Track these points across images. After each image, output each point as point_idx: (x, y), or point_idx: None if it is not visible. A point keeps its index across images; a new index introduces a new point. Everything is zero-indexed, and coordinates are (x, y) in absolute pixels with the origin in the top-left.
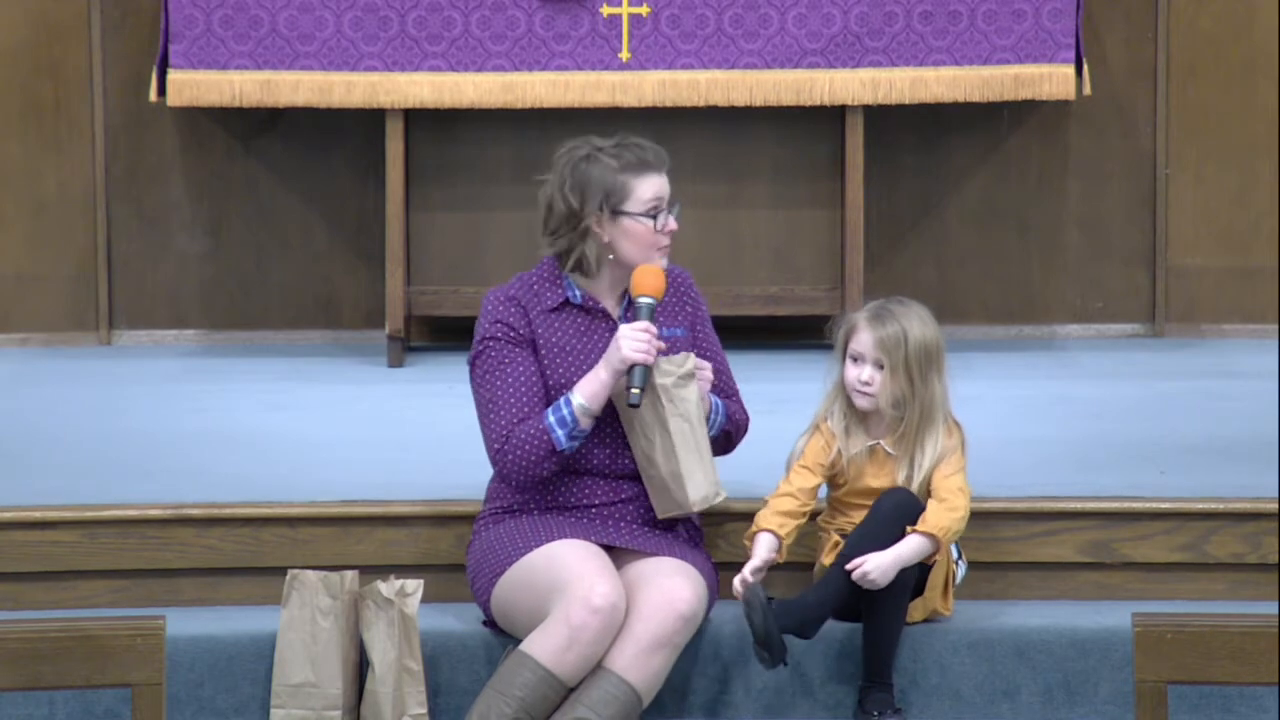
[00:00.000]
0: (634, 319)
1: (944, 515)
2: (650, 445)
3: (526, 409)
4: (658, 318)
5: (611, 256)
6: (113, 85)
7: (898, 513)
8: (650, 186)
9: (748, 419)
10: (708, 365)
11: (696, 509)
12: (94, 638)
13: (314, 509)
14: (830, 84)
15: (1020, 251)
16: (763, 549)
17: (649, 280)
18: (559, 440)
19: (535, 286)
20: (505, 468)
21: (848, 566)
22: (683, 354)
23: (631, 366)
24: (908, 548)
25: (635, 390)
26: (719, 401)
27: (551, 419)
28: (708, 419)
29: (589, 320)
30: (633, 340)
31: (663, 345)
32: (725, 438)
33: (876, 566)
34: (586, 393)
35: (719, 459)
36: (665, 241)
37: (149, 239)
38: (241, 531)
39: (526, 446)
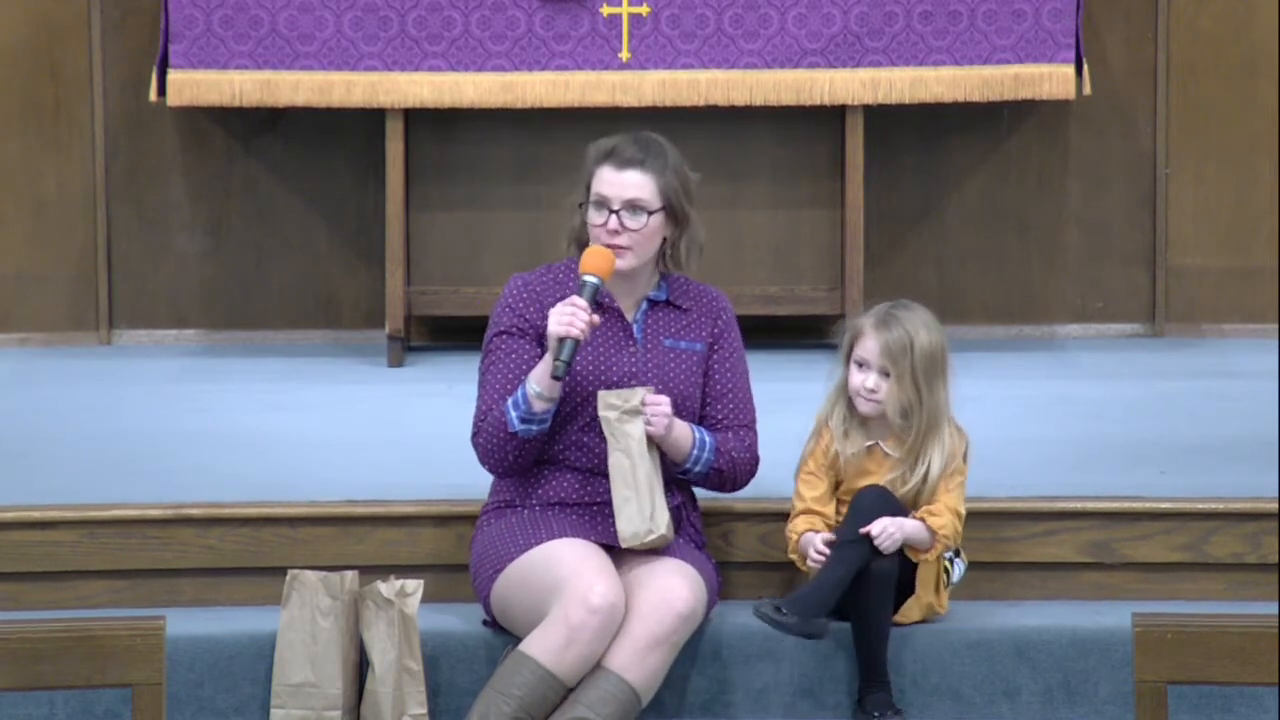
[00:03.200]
0: (653, 331)
1: (950, 521)
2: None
3: (507, 397)
4: (679, 328)
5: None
6: (113, 85)
7: (879, 508)
8: (608, 180)
9: (753, 459)
10: (665, 401)
11: (625, 545)
12: (94, 638)
13: (314, 509)
14: (830, 84)
15: (1020, 251)
16: (817, 540)
17: (596, 261)
18: (512, 422)
19: (560, 276)
20: (476, 448)
21: (864, 529)
22: (633, 389)
23: (561, 340)
24: (913, 525)
25: (557, 363)
26: (707, 439)
27: (508, 402)
28: (690, 455)
29: (602, 316)
30: (558, 314)
31: (596, 320)
32: (717, 476)
33: (899, 527)
34: (535, 375)
35: (723, 494)
36: (609, 240)
37: (149, 239)
38: (241, 531)
39: (490, 430)
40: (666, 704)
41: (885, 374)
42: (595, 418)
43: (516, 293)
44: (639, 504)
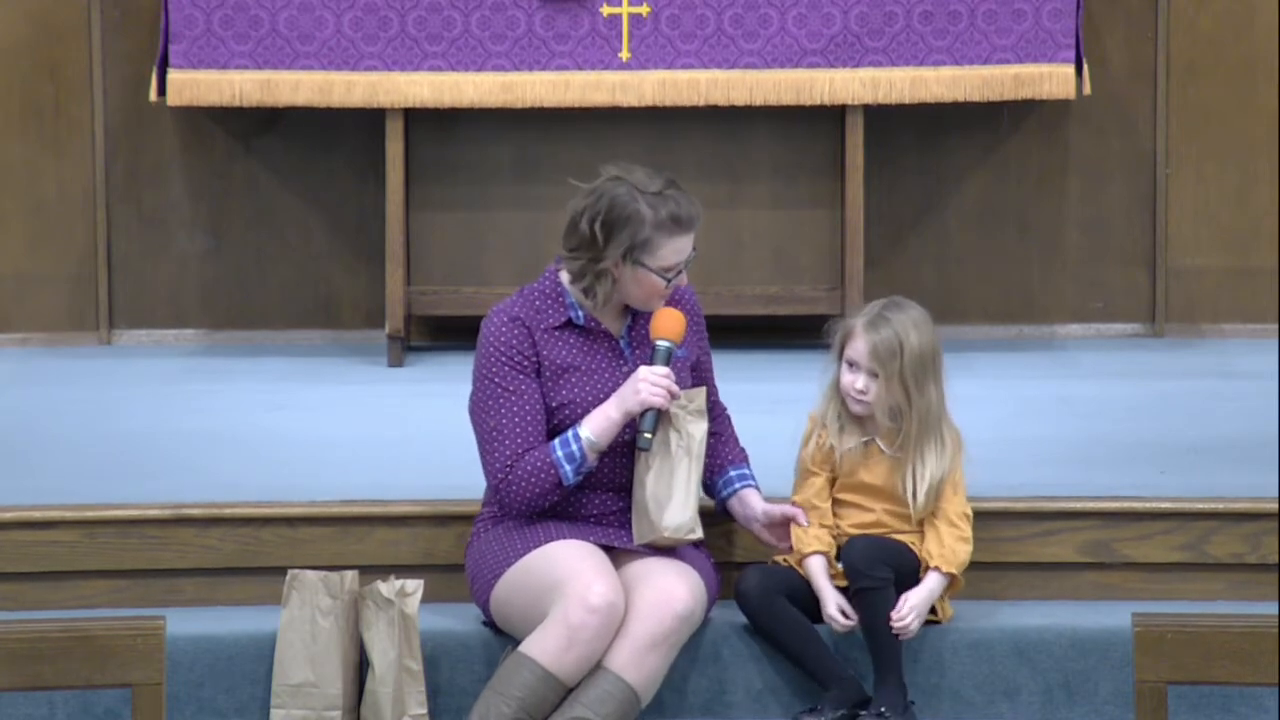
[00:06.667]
0: (639, 345)
1: (960, 549)
2: (646, 469)
3: (532, 439)
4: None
5: (617, 295)
6: (113, 85)
7: (870, 557)
8: (676, 249)
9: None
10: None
11: (667, 535)
12: (94, 638)
13: (314, 509)
14: (830, 84)
15: (1020, 251)
16: (822, 576)
17: (670, 324)
18: (566, 476)
19: (538, 303)
20: (508, 498)
21: (895, 625)
22: (696, 389)
23: (645, 410)
24: (927, 591)
25: (647, 435)
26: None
27: (560, 454)
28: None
29: (590, 340)
30: (652, 385)
31: (679, 393)
32: None
33: (914, 609)
34: (597, 430)
35: None
36: (669, 293)
37: (149, 239)
38: (241, 531)
39: (532, 479)
40: (666, 704)
41: (874, 375)
42: (598, 460)
43: (506, 328)
44: (687, 501)
